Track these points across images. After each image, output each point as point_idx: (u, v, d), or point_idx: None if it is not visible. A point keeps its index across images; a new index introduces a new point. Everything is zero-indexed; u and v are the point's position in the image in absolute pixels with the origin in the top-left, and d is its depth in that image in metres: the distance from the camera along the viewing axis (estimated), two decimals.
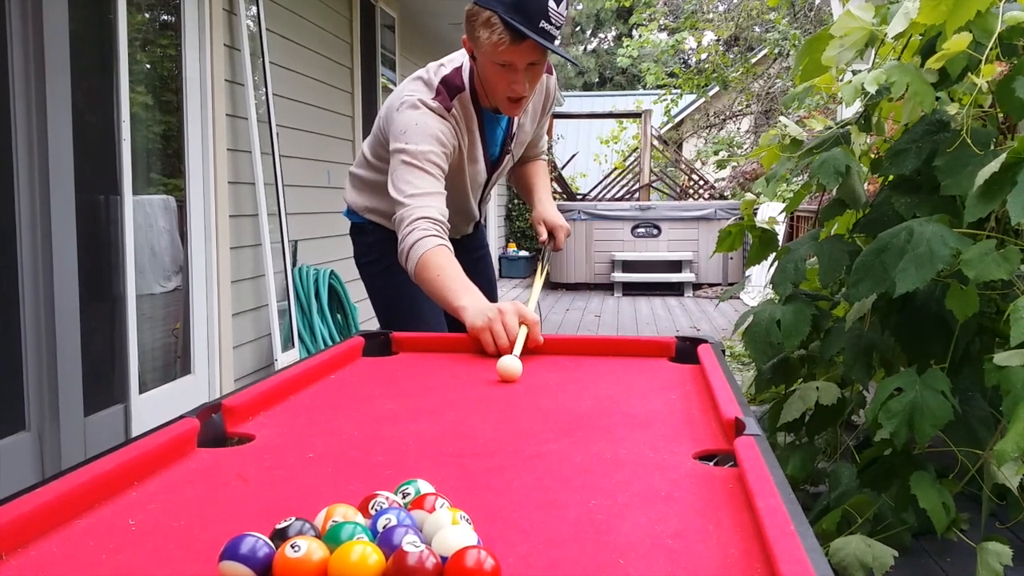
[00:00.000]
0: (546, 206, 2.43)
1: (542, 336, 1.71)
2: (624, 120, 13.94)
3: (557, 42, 1.85)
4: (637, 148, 11.50)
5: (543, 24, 1.80)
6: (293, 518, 0.77)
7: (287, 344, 4.24)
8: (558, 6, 1.81)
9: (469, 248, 2.35)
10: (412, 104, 1.97)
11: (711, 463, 1.06)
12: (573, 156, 12.75)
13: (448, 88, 2.00)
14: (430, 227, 1.86)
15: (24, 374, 2.60)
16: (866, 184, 2.73)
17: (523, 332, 1.67)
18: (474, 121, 2.06)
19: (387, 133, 2.05)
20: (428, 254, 1.82)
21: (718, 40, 12.63)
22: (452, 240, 2.24)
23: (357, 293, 5.28)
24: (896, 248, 2.05)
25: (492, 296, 2.38)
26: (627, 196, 11.13)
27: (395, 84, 6.72)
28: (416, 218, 1.86)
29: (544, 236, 2.39)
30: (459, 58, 2.07)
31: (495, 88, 1.95)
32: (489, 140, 2.15)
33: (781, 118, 2.86)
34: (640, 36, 12.95)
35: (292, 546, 0.72)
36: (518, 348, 1.63)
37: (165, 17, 3.67)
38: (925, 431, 2.00)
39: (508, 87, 1.92)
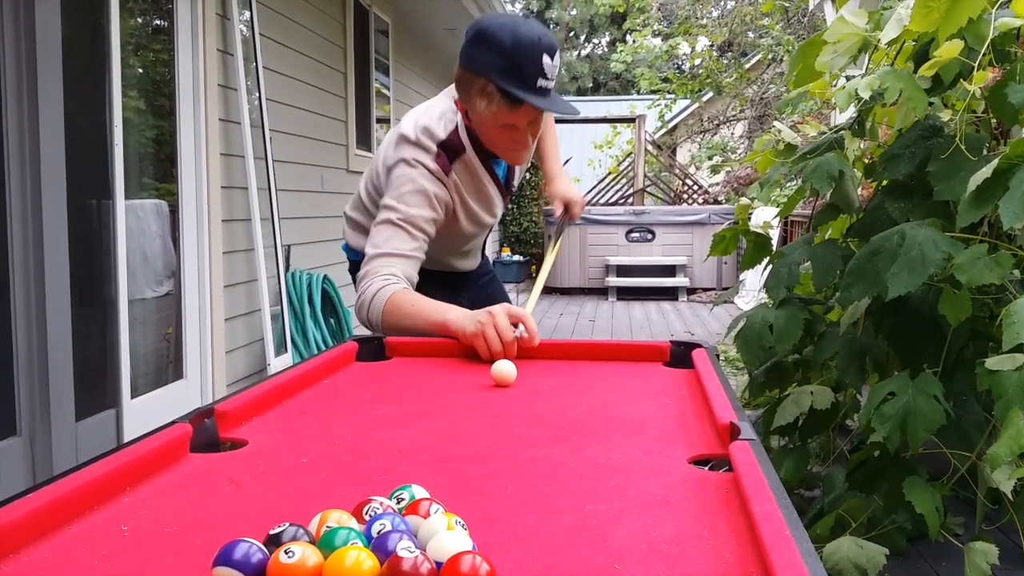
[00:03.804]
0: (559, 182, 2.40)
1: (538, 335, 1.68)
2: (618, 125, 13.95)
3: (553, 89, 1.79)
4: (631, 153, 11.52)
5: (540, 82, 1.73)
6: (287, 524, 0.77)
7: (280, 349, 4.23)
8: (552, 59, 1.74)
9: (476, 275, 2.31)
10: (410, 163, 1.90)
11: (706, 468, 1.06)
12: (567, 161, 12.76)
13: (448, 151, 1.92)
14: (391, 279, 1.80)
15: (15, 378, 2.58)
16: (860, 189, 2.74)
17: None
18: (479, 172, 1.99)
19: (380, 186, 1.99)
20: (393, 297, 1.77)
21: (712, 45, 12.66)
22: (460, 273, 2.22)
23: (351, 298, 5.27)
24: (888, 252, 2.05)
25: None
26: (621, 201, 11.15)
27: (388, 89, 6.72)
28: (378, 275, 1.81)
29: (560, 211, 2.36)
30: (445, 109, 1.97)
31: (496, 145, 1.90)
32: (497, 172, 2.08)
33: (775, 123, 2.87)
34: (634, 41, 12.96)
35: (286, 552, 0.71)
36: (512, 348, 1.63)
37: (158, 21, 3.67)
38: (918, 435, 2.00)
39: (511, 144, 1.88)
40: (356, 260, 2.15)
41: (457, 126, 1.94)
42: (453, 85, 1.93)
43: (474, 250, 2.23)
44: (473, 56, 1.75)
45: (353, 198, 2.20)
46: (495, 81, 1.72)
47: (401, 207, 1.86)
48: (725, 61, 12.51)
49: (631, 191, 11.10)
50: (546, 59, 1.72)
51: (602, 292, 9.77)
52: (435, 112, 1.98)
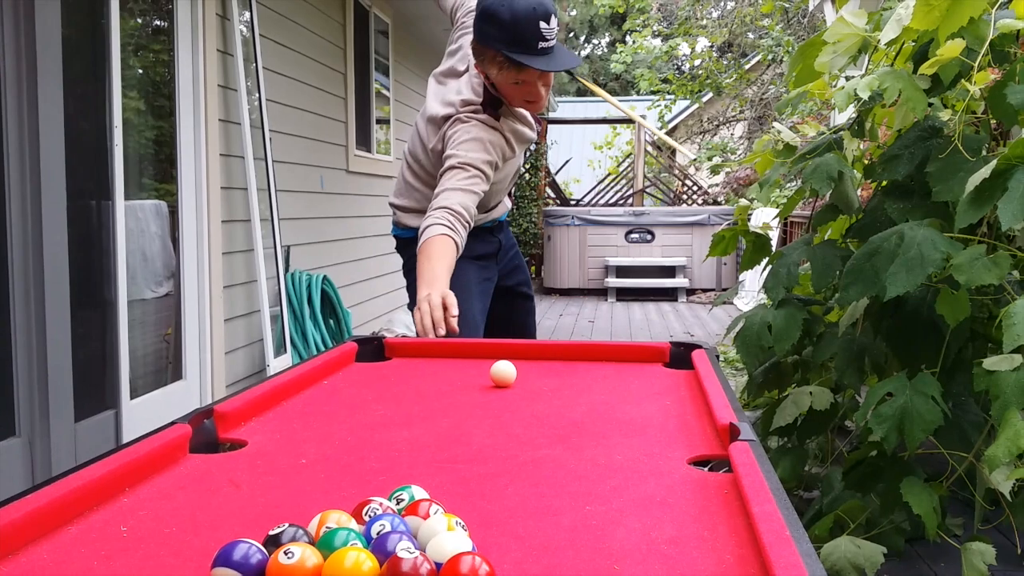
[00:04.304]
0: None
1: (455, 309, 1.77)
2: (618, 126, 13.96)
3: (555, 45, 2.04)
4: (631, 154, 11.52)
5: (541, 45, 2.00)
6: (286, 524, 0.77)
7: (279, 350, 4.23)
8: (548, 23, 2.00)
9: (506, 246, 2.55)
10: (463, 119, 2.16)
11: (706, 468, 1.06)
12: (567, 161, 12.77)
13: (490, 105, 2.17)
14: (444, 216, 1.98)
15: (14, 379, 2.58)
16: (859, 190, 2.74)
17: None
18: (518, 113, 2.24)
19: (424, 163, 2.26)
20: (430, 240, 1.95)
21: (712, 46, 12.66)
22: (497, 223, 2.46)
23: (350, 299, 5.26)
24: (887, 252, 2.05)
25: (525, 277, 2.63)
26: (621, 201, 11.15)
27: (388, 90, 6.72)
28: (437, 207, 2.01)
29: None
30: (464, 81, 2.22)
31: (513, 99, 2.17)
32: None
33: (775, 124, 2.87)
34: (634, 42, 12.95)
35: (285, 553, 0.71)
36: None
37: (158, 22, 3.66)
38: (915, 436, 2.00)
39: (526, 96, 2.14)
40: (400, 237, 2.41)
41: (484, 87, 2.18)
42: (444, 70, 2.30)
43: (511, 188, 2.48)
44: (481, 31, 2.03)
45: (395, 187, 2.42)
46: (503, 52, 2.00)
47: (459, 153, 2.10)
48: (725, 62, 12.51)
49: (631, 192, 11.10)
50: (543, 24, 1.99)
51: (601, 293, 9.76)
52: (459, 87, 2.23)
